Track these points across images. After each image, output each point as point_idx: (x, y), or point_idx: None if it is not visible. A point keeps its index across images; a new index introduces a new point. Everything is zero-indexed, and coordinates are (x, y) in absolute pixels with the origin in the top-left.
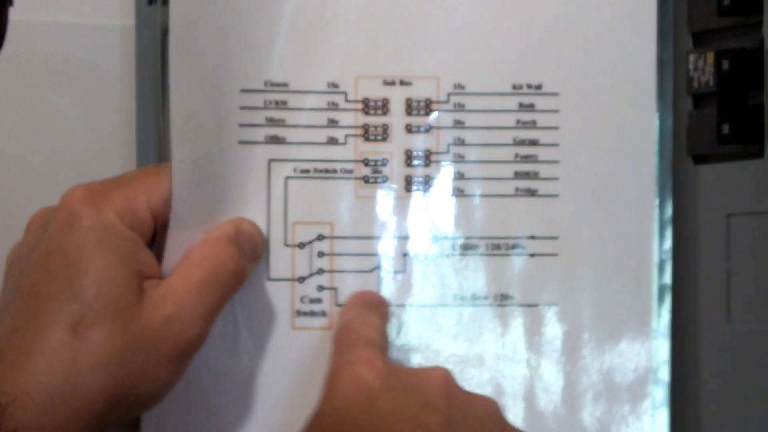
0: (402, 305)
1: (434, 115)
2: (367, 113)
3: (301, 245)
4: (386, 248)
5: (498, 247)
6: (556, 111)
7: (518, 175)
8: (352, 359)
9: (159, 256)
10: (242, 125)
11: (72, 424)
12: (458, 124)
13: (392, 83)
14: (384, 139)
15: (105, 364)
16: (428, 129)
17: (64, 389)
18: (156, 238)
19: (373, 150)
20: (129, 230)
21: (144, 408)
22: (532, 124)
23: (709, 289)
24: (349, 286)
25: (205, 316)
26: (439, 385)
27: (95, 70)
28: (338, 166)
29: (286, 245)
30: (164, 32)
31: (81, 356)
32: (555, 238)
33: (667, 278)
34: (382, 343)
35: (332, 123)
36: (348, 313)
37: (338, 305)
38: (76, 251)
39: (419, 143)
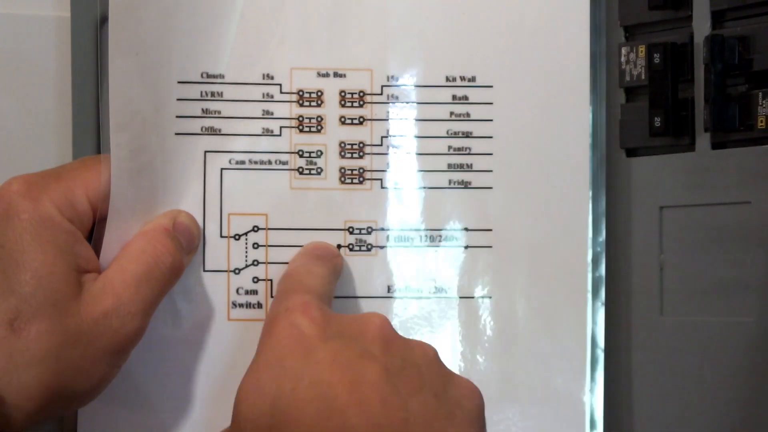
0: (336, 297)
1: (368, 107)
2: (301, 105)
3: (237, 237)
4: (320, 240)
5: (432, 239)
6: (490, 103)
7: (452, 167)
8: (289, 306)
9: (97, 248)
10: (179, 116)
11: (8, 420)
12: (392, 116)
13: (326, 75)
14: (318, 131)
15: (42, 360)
16: (362, 121)
17: (0, 385)
18: (94, 230)
19: (308, 141)
20: (68, 223)
21: (81, 403)
22: (465, 116)
23: (642, 282)
24: None
25: (143, 310)
26: (377, 333)
27: (28, 62)
28: (273, 157)
29: (222, 237)
30: (102, 21)
31: (18, 352)
32: (489, 230)
33: (601, 271)
34: (323, 293)
35: (267, 114)
36: (294, 262)
37: (273, 297)
38: (14, 245)
39: (353, 135)
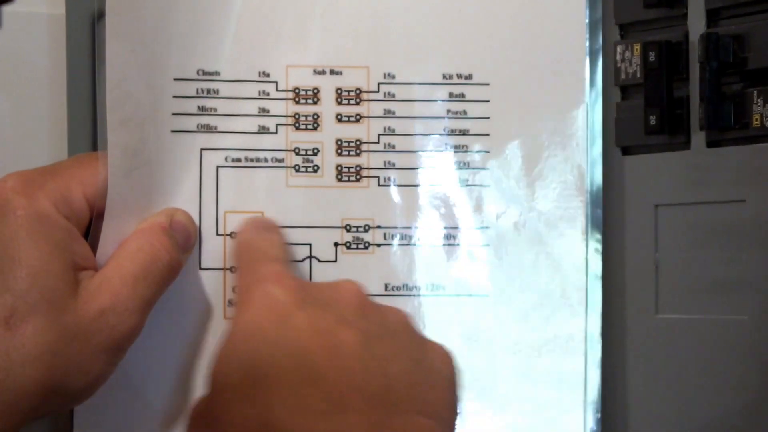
0: None
1: (364, 104)
2: (297, 102)
3: (233, 234)
4: (317, 238)
5: (429, 236)
6: (486, 101)
7: (449, 165)
8: (261, 276)
9: (94, 245)
10: (175, 114)
11: (4, 418)
12: (388, 114)
13: (323, 72)
14: (315, 129)
15: (38, 357)
16: (359, 118)
17: None
18: (91, 227)
19: (304, 139)
20: (64, 220)
21: (77, 401)
22: (462, 114)
23: (637, 280)
24: None
25: (140, 308)
26: (352, 300)
27: (23, 60)
28: (269, 155)
29: (218, 234)
30: (97, 18)
31: (14, 349)
32: (486, 228)
33: (597, 269)
34: (287, 259)
35: (263, 112)
36: (244, 233)
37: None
38: (10, 242)
39: (350, 132)
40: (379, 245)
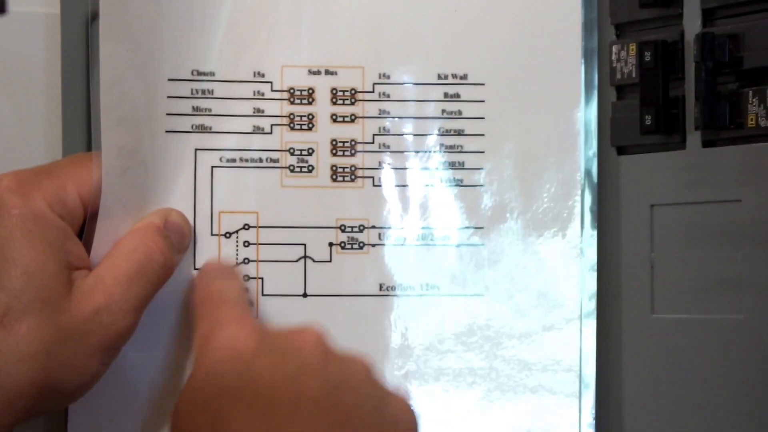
0: (328, 295)
1: (359, 104)
2: (292, 102)
3: (227, 235)
4: (312, 238)
5: (424, 236)
6: (481, 101)
7: (444, 165)
8: (221, 320)
9: (88, 245)
10: (169, 114)
11: None
12: (383, 114)
13: (318, 72)
14: (309, 129)
15: (33, 356)
16: (354, 118)
17: None
18: (85, 227)
19: (299, 139)
20: (59, 219)
21: (71, 399)
22: (457, 114)
23: (632, 280)
24: (275, 275)
25: (134, 308)
26: (314, 348)
27: (18, 59)
28: (264, 155)
29: (212, 235)
30: (92, 18)
31: (8, 348)
32: (480, 228)
33: (593, 269)
34: (248, 305)
35: (258, 112)
36: (203, 278)
37: (264, 295)
38: (4, 241)
39: (345, 133)
40: (373, 245)
